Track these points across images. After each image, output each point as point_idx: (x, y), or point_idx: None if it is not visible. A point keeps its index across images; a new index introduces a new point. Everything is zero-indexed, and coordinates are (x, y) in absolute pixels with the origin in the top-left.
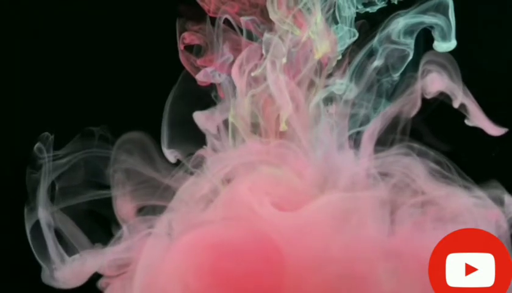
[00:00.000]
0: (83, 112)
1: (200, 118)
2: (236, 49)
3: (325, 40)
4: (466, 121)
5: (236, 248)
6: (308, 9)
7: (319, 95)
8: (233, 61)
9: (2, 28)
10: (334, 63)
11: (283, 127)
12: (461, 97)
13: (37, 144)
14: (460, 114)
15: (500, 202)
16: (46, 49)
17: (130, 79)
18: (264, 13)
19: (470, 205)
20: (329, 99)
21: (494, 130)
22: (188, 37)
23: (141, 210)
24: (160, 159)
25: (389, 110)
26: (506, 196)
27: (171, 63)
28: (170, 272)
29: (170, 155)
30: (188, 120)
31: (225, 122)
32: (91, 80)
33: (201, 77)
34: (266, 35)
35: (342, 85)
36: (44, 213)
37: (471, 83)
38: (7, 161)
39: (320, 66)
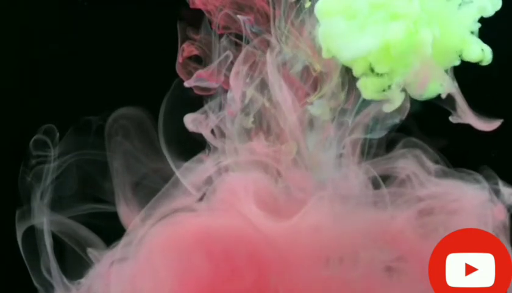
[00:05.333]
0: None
1: (190, 121)
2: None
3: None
4: (451, 118)
5: (216, 240)
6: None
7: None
8: (232, 64)
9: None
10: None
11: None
12: (449, 89)
13: (34, 139)
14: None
15: (494, 192)
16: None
17: (132, 69)
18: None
19: (473, 201)
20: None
21: (482, 125)
22: (186, 48)
23: None
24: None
25: (372, 109)
26: (501, 186)
27: (173, 55)
28: (144, 262)
29: (191, 188)
30: (186, 131)
31: (222, 123)
32: (89, 72)
33: (192, 83)
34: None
35: (320, 108)
36: (43, 223)
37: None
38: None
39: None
